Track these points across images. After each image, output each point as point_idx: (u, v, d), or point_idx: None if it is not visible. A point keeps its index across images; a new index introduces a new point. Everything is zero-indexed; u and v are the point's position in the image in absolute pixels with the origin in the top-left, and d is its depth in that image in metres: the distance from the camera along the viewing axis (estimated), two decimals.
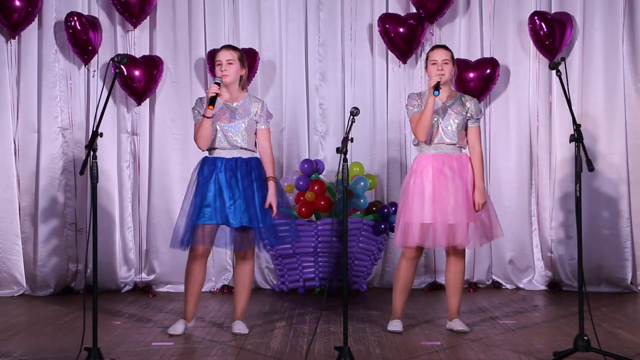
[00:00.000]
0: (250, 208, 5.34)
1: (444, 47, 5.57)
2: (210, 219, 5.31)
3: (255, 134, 5.48)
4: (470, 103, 5.53)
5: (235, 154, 5.40)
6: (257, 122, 5.46)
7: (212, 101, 5.21)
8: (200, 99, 5.50)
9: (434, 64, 5.44)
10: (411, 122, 5.52)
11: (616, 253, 7.47)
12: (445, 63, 5.44)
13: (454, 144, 5.47)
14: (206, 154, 5.49)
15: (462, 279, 5.61)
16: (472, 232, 5.47)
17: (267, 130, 5.51)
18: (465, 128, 5.52)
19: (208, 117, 5.29)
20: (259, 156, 5.49)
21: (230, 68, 5.40)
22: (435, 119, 5.43)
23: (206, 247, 5.40)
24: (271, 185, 5.40)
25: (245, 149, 5.42)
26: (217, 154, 5.42)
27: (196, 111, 5.44)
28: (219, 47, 5.57)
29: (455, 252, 5.53)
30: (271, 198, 5.38)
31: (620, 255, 7.46)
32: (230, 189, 5.34)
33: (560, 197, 7.55)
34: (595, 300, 6.80)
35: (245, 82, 5.58)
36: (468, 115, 5.50)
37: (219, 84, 5.30)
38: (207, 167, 5.40)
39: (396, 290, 5.61)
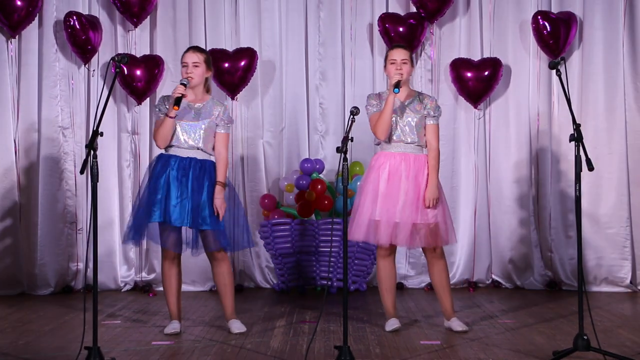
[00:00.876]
0: (198, 210, 5.35)
1: (403, 46, 5.63)
2: (158, 216, 5.33)
3: (214, 137, 5.49)
4: (428, 101, 5.56)
5: (191, 154, 5.42)
6: (217, 126, 5.48)
7: (177, 101, 5.24)
8: (164, 97, 5.52)
9: (393, 63, 5.48)
10: (370, 121, 5.55)
11: (616, 252, 7.47)
12: (404, 63, 5.47)
13: (414, 143, 5.50)
14: (162, 150, 5.51)
15: (447, 277, 5.63)
16: (418, 233, 5.45)
17: (226, 135, 5.52)
18: (424, 126, 5.53)
19: (171, 117, 5.32)
20: (214, 159, 5.49)
21: (195, 70, 5.44)
22: (394, 118, 5.46)
23: (171, 250, 5.43)
24: (218, 189, 5.39)
25: (201, 150, 5.43)
26: (172, 151, 5.43)
27: (157, 109, 5.48)
28: (186, 49, 5.59)
29: (432, 252, 5.55)
30: (216, 201, 5.37)
31: (620, 255, 7.47)
32: (180, 187, 5.35)
33: (560, 196, 7.55)
34: (595, 299, 6.80)
35: (210, 84, 5.61)
36: (426, 113, 5.51)
37: (185, 85, 5.33)
38: (161, 164, 5.42)
39: (382, 290, 5.64)
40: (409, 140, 5.49)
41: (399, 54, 5.49)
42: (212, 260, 5.55)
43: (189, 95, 5.46)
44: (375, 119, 5.47)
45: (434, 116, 5.54)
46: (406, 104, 5.54)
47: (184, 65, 5.46)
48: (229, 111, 5.62)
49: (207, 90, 5.60)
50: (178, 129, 5.40)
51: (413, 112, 5.51)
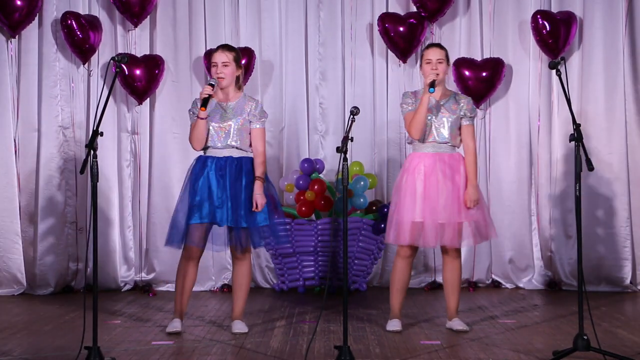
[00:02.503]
0: (238, 208, 5.35)
1: (439, 45, 5.60)
2: (200, 218, 5.33)
3: (250, 133, 5.48)
4: (464, 102, 5.54)
5: (227, 153, 5.41)
6: (250, 122, 5.47)
7: (204, 102, 5.23)
8: (196, 99, 5.51)
9: (429, 62, 5.46)
10: (405, 120, 5.54)
11: (616, 252, 7.47)
12: (440, 62, 5.46)
13: (447, 143, 5.49)
14: (201, 152, 5.50)
15: (460, 277, 5.62)
16: (463, 231, 5.46)
17: (261, 130, 5.49)
18: (460, 127, 5.52)
19: (201, 118, 5.31)
20: (251, 156, 5.49)
21: (225, 70, 5.42)
22: (429, 118, 5.45)
23: (199, 247, 5.43)
24: (257, 184, 5.38)
25: (237, 148, 5.42)
26: (209, 152, 5.44)
27: (191, 112, 5.46)
28: (215, 47, 5.58)
29: (450, 251, 5.54)
30: (256, 197, 5.37)
31: (620, 255, 7.47)
32: (219, 188, 5.35)
33: (560, 196, 7.55)
34: (594, 299, 6.80)
35: (241, 82, 5.58)
36: (461, 113, 5.51)
37: (212, 85, 5.31)
38: (199, 165, 5.42)
39: (393, 290, 5.62)
40: (443, 140, 5.47)
41: (435, 54, 5.47)
42: (235, 259, 5.55)
43: (221, 95, 5.44)
44: (410, 118, 5.45)
45: (470, 117, 5.53)
46: (441, 103, 5.51)
47: (214, 65, 5.42)
48: (262, 105, 5.58)
49: (239, 87, 5.55)
50: (211, 130, 5.38)
51: (448, 111, 5.49)
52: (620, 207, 7.48)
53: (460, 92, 5.69)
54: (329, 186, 7.50)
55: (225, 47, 5.52)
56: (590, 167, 4.59)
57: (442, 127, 5.47)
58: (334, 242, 7.28)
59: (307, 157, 7.69)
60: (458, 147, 5.56)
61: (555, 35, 7.35)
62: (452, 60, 7.60)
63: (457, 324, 5.53)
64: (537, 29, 7.39)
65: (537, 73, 7.62)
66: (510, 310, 6.44)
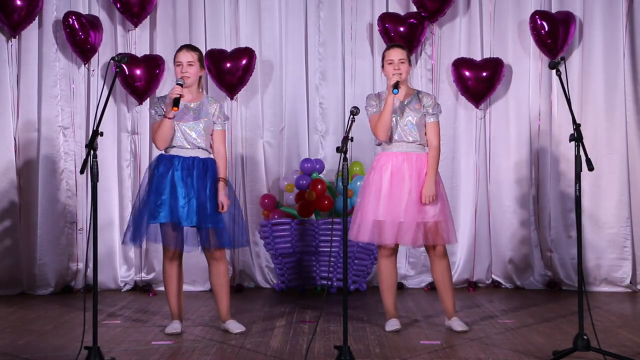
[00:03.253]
0: (203, 208, 5.35)
1: (400, 46, 5.62)
2: (164, 217, 5.32)
3: (212, 135, 5.49)
4: (427, 99, 5.56)
5: (193, 153, 5.42)
6: (214, 123, 5.49)
7: (176, 102, 5.24)
8: (159, 98, 5.52)
9: (391, 63, 5.47)
10: (370, 122, 5.54)
11: (616, 252, 7.47)
12: (402, 62, 5.47)
13: (416, 142, 5.49)
14: (162, 151, 5.50)
15: (450, 276, 5.62)
16: (422, 231, 5.45)
17: (223, 132, 5.54)
18: (425, 124, 5.53)
19: (170, 118, 5.31)
20: (214, 158, 5.50)
21: (190, 69, 5.44)
22: (394, 118, 5.46)
23: (175, 249, 5.44)
24: (221, 186, 5.42)
25: (203, 149, 5.44)
26: (174, 152, 5.43)
27: (153, 111, 5.47)
28: (179, 47, 5.59)
29: (434, 251, 5.54)
30: (221, 198, 5.39)
31: (620, 255, 7.47)
32: (185, 187, 5.35)
33: (560, 196, 7.55)
34: (594, 299, 6.80)
35: (203, 83, 5.61)
36: (425, 111, 5.51)
37: (181, 85, 5.32)
38: (164, 164, 5.41)
39: (382, 290, 5.65)
40: (411, 139, 5.49)
41: (397, 54, 5.48)
42: (210, 260, 5.54)
43: (187, 95, 5.46)
44: (376, 120, 5.47)
45: (433, 114, 5.54)
46: (405, 103, 5.54)
47: (178, 64, 5.45)
48: (224, 108, 5.61)
49: (202, 88, 5.61)
50: (177, 130, 5.40)
51: (413, 111, 5.51)
52: (620, 207, 7.48)
53: (422, 90, 5.69)
54: (329, 186, 7.50)
55: (190, 47, 5.56)
56: (590, 167, 4.59)
57: (408, 127, 5.48)
58: (334, 242, 7.28)
59: (307, 157, 7.69)
60: (427, 146, 5.55)
61: (554, 36, 7.35)
62: (450, 60, 7.64)
63: (456, 324, 5.53)
64: (535, 29, 7.39)
65: (537, 73, 7.62)
66: (510, 310, 6.44)
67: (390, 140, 5.50)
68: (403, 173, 5.45)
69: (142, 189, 5.50)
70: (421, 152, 5.52)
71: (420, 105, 5.53)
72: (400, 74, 5.42)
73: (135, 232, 5.42)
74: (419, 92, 5.64)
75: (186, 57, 5.45)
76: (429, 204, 5.42)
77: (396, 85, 5.34)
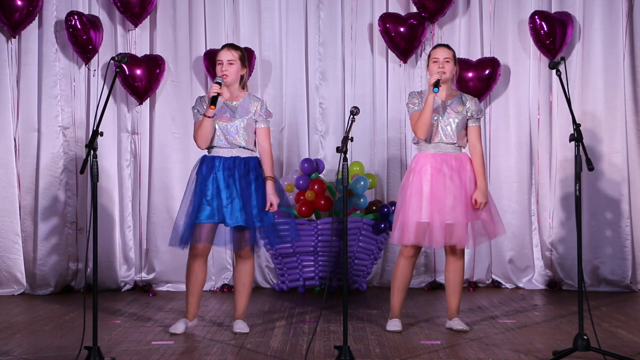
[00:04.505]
0: (248, 207, 5.35)
1: (447, 45, 5.59)
2: (208, 217, 5.32)
3: (255, 133, 5.49)
4: (470, 102, 5.53)
5: (234, 153, 5.41)
6: (256, 121, 5.47)
7: (213, 101, 5.22)
8: (200, 97, 5.51)
9: (436, 61, 5.45)
10: (411, 120, 5.52)
11: (616, 252, 7.47)
12: (447, 61, 5.44)
13: (454, 143, 5.47)
14: (205, 152, 5.50)
15: (462, 278, 5.61)
16: (470, 231, 5.46)
17: (267, 130, 5.51)
18: (466, 127, 5.52)
19: (209, 117, 5.29)
20: (258, 155, 5.50)
21: (230, 68, 5.41)
22: (435, 118, 5.44)
23: (206, 246, 5.41)
24: (269, 184, 5.41)
25: (244, 147, 5.43)
26: (215, 152, 5.42)
27: (196, 110, 5.45)
28: (220, 46, 5.58)
29: (454, 251, 5.53)
30: (270, 197, 5.39)
31: (620, 255, 7.47)
32: (228, 188, 5.35)
33: (560, 196, 7.55)
34: (594, 299, 6.80)
35: (245, 81, 5.58)
36: (468, 114, 5.50)
37: (220, 84, 5.30)
38: (206, 165, 5.41)
39: (394, 289, 5.61)
40: (450, 140, 5.46)
41: (442, 53, 5.46)
42: (238, 258, 5.55)
43: (225, 93, 5.43)
44: (416, 118, 5.44)
45: (477, 118, 5.52)
46: (448, 104, 5.50)
47: (219, 63, 5.42)
48: (267, 105, 5.59)
49: (243, 87, 5.56)
50: (217, 129, 5.38)
51: (455, 112, 5.47)
52: (621, 207, 7.48)
53: (465, 93, 5.67)
54: (329, 186, 7.50)
55: (231, 46, 5.53)
56: (590, 167, 4.59)
57: (449, 128, 5.46)
58: (334, 242, 7.28)
59: (307, 157, 7.69)
60: (464, 148, 5.55)
61: (553, 36, 7.35)
62: None
63: (457, 323, 5.53)
64: (534, 30, 7.39)
65: (537, 73, 7.63)
66: (510, 310, 6.44)
67: (429, 140, 5.48)
68: (444, 174, 5.41)
69: (187, 191, 5.45)
70: (459, 152, 5.50)
71: (463, 107, 5.50)
72: (444, 72, 5.40)
73: (183, 234, 5.37)
74: (462, 94, 5.60)
75: (227, 55, 5.42)
76: (480, 209, 5.42)
77: (437, 84, 5.30)
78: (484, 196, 5.43)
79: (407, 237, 5.41)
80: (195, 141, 5.42)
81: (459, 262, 5.55)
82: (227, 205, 5.33)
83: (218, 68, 5.43)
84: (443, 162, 5.44)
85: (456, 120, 5.46)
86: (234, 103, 5.46)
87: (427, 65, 5.54)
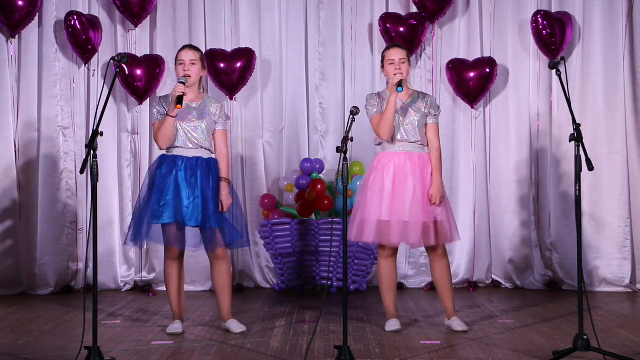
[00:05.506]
0: (207, 208, 5.35)
1: (400, 46, 5.64)
2: (168, 217, 5.32)
3: (213, 135, 5.50)
4: (428, 100, 5.56)
5: (196, 153, 5.43)
6: (215, 123, 5.49)
7: (179, 100, 5.25)
8: (160, 98, 5.54)
9: (392, 63, 5.47)
10: (372, 122, 5.53)
11: (616, 252, 7.47)
12: (402, 62, 5.47)
13: (417, 142, 5.50)
14: (164, 151, 5.50)
15: (449, 276, 5.61)
16: (427, 231, 5.45)
17: (225, 132, 5.55)
18: (425, 125, 5.53)
19: (173, 117, 5.32)
20: (215, 157, 5.51)
21: (192, 68, 5.45)
22: (397, 118, 5.46)
23: (177, 248, 5.44)
24: (223, 186, 5.43)
25: (205, 148, 5.45)
26: (177, 152, 5.43)
27: (155, 110, 5.47)
28: (181, 47, 5.60)
29: (435, 251, 5.54)
30: (222, 198, 5.41)
31: (620, 255, 7.47)
32: (189, 187, 5.36)
33: (560, 196, 7.55)
34: (595, 299, 6.80)
35: (204, 83, 5.61)
36: (426, 112, 5.52)
37: (184, 84, 5.33)
38: (167, 165, 5.40)
39: (382, 290, 5.64)
40: (413, 139, 5.48)
41: (397, 54, 5.49)
42: (212, 259, 5.54)
43: (189, 94, 5.46)
44: (377, 120, 5.46)
45: (434, 115, 5.55)
46: (407, 103, 5.54)
47: (181, 63, 5.47)
48: (225, 108, 5.62)
49: (203, 89, 5.62)
50: (180, 130, 5.40)
51: (415, 111, 5.51)
52: (620, 207, 7.48)
53: (422, 91, 5.70)
54: (329, 186, 7.50)
55: (192, 47, 5.59)
56: (590, 167, 4.59)
57: (411, 127, 5.48)
58: (334, 242, 7.28)
59: (307, 157, 7.69)
60: (426, 146, 5.56)
61: (555, 36, 7.35)
62: (446, 61, 7.64)
63: (456, 324, 5.53)
64: (536, 29, 7.39)
65: (537, 73, 7.62)
66: (510, 310, 6.44)
67: (392, 140, 5.50)
68: (406, 172, 5.44)
69: (143, 189, 5.49)
70: (422, 151, 5.53)
71: (422, 105, 5.53)
72: (402, 72, 5.43)
73: (137, 232, 5.41)
74: (419, 92, 5.65)
75: (189, 55, 5.46)
76: (436, 204, 5.42)
77: (400, 84, 5.34)
78: (438, 191, 5.43)
79: (367, 235, 5.45)
80: (157, 141, 5.43)
81: (443, 260, 5.56)
82: (188, 205, 5.34)
83: (179, 68, 5.47)
84: (407, 161, 5.47)
85: (416, 119, 5.49)
86: (195, 104, 5.49)
87: (382, 67, 5.57)
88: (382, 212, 5.41)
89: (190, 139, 5.41)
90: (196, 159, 5.41)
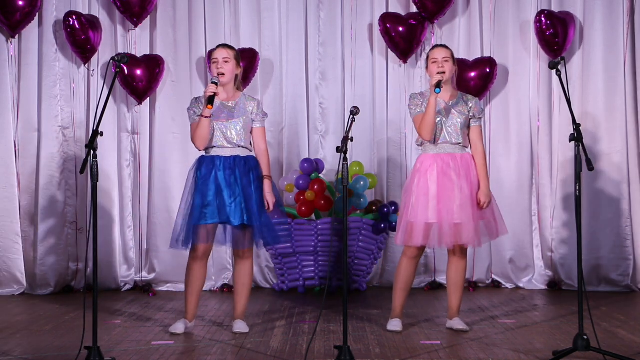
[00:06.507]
0: (249, 206, 5.35)
1: (445, 46, 5.60)
2: (211, 218, 5.31)
3: (251, 132, 5.49)
4: (472, 102, 5.54)
5: (234, 152, 5.41)
6: (253, 121, 5.47)
7: (210, 100, 5.22)
8: (195, 98, 5.51)
9: (435, 62, 5.44)
10: (415, 122, 5.51)
11: (616, 252, 7.47)
12: (446, 61, 5.44)
13: (458, 144, 5.48)
14: (202, 153, 5.49)
15: (464, 277, 5.61)
16: (477, 231, 5.46)
17: (263, 129, 5.52)
18: (468, 127, 5.53)
19: (206, 117, 5.29)
20: (255, 155, 5.50)
21: (226, 66, 5.41)
22: (439, 119, 5.44)
23: (207, 247, 5.42)
24: (267, 183, 5.42)
25: (243, 147, 5.43)
26: (215, 152, 5.42)
27: (192, 111, 5.44)
28: (216, 46, 5.59)
29: (458, 250, 5.53)
30: (267, 196, 5.40)
31: (620, 255, 7.47)
32: (230, 187, 5.34)
33: (560, 196, 7.55)
34: (594, 299, 6.80)
35: (240, 81, 5.59)
36: (470, 114, 5.51)
37: (216, 84, 5.30)
38: (206, 166, 5.40)
39: (396, 289, 5.60)
40: (455, 141, 5.46)
41: (441, 53, 5.46)
42: (238, 258, 5.55)
43: (221, 94, 5.43)
44: (419, 120, 5.43)
45: (479, 117, 5.54)
46: (451, 104, 5.50)
47: (214, 61, 5.42)
48: (262, 105, 5.59)
49: (238, 87, 5.56)
50: (216, 129, 5.38)
51: (458, 113, 5.48)
52: (621, 207, 7.48)
53: (466, 93, 5.68)
54: (329, 186, 7.50)
55: (226, 45, 5.55)
56: (590, 167, 4.60)
57: (452, 128, 5.46)
58: (334, 242, 7.28)
59: (307, 157, 7.69)
60: (468, 148, 5.56)
61: (558, 36, 7.34)
62: None
63: (457, 323, 5.53)
64: (540, 29, 7.38)
65: (537, 73, 7.63)
66: (510, 310, 6.44)
67: (434, 141, 5.48)
68: (451, 174, 5.41)
69: (186, 192, 5.44)
70: (464, 152, 5.51)
71: (465, 107, 5.51)
72: (444, 72, 5.40)
73: (186, 235, 5.36)
74: (463, 94, 5.61)
75: (222, 54, 5.42)
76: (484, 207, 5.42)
77: (438, 85, 5.30)
78: (487, 196, 5.44)
79: (416, 238, 5.40)
80: (194, 142, 5.41)
81: (462, 261, 5.56)
82: (231, 204, 5.33)
83: (213, 67, 5.44)
84: (449, 162, 5.44)
85: (459, 121, 5.46)
86: (230, 103, 5.46)
87: (427, 67, 5.53)
88: (429, 214, 5.38)
89: (227, 138, 5.39)
90: (234, 158, 5.39)
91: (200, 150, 5.48)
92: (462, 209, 5.37)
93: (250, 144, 5.50)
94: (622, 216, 7.47)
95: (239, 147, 5.42)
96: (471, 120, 5.52)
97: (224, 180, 5.35)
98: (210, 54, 7.35)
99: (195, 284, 5.48)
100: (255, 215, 5.36)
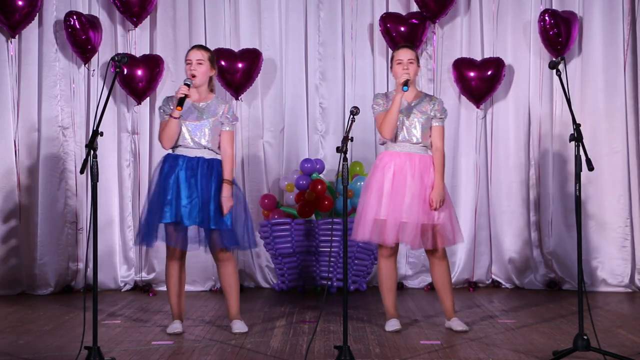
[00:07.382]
0: (206, 209, 5.35)
1: (409, 46, 5.65)
2: (169, 217, 5.32)
3: (219, 135, 5.48)
4: (435, 103, 5.56)
5: (198, 153, 5.42)
6: (222, 124, 5.47)
7: (180, 102, 5.24)
8: (167, 97, 5.52)
9: (400, 63, 5.48)
10: (376, 120, 5.56)
11: (616, 252, 7.47)
12: (411, 62, 5.48)
13: (420, 144, 5.50)
14: (169, 151, 5.50)
15: (449, 277, 5.62)
16: (426, 233, 5.44)
17: (231, 133, 5.51)
18: (430, 128, 5.53)
19: (175, 117, 5.31)
20: (220, 158, 5.48)
21: (199, 68, 5.42)
22: (401, 118, 5.46)
23: (178, 248, 5.44)
24: (226, 188, 5.39)
25: (208, 149, 5.43)
26: (179, 151, 5.43)
27: (162, 110, 5.46)
28: (190, 47, 5.60)
29: (434, 253, 5.54)
30: (223, 200, 5.37)
31: (620, 255, 7.47)
32: (189, 188, 5.35)
33: (560, 196, 7.55)
34: (595, 299, 6.80)
35: (214, 83, 5.59)
36: (432, 114, 5.52)
37: (188, 85, 5.32)
38: (169, 164, 5.41)
39: (383, 290, 5.64)
40: (415, 140, 5.48)
41: (405, 54, 5.49)
42: (217, 261, 5.55)
43: (193, 95, 5.44)
44: (382, 118, 5.47)
45: (440, 118, 5.54)
46: (413, 104, 5.53)
47: (188, 62, 5.44)
48: (233, 109, 5.60)
49: (211, 89, 5.58)
50: (184, 129, 5.39)
51: (420, 112, 5.51)
52: (620, 207, 7.48)
53: (430, 94, 5.72)
54: (329, 186, 7.50)
55: (201, 47, 5.56)
56: (590, 167, 4.60)
57: (414, 128, 5.49)
58: (334, 242, 7.28)
59: (307, 157, 7.69)
60: (430, 149, 5.56)
61: (561, 35, 7.33)
62: (451, 60, 7.64)
63: (456, 324, 5.53)
64: (543, 28, 7.37)
65: (538, 73, 7.62)
66: (510, 310, 6.44)
67: (395, 139, 5.50)
68: (406, 173, 5.45)
69: (150, 189, 5.48)
70: (424, 153, 5.52)
71: (427, 107, 5.53)
72: (409, 73, 5.43)
73: (147, 232, 5.39)
74: (426, 95, 5.65)
75: (196, 55, 5.43)
76: (436, 209, 5.42)
77: (406, 83, 5.35)
78: (439, 195, 5.43)
79: (362, 233, 5.46)
80: (160, 141, 5.43)
81: (442, 263, 5.57)
82: (187, 205, 5.33)
83: (187, 68, 5.45)
84: (407, 161, 5.47)
85: (421, 120, 5.49)
86: (202, 104, 5.47)
87: (391, 67, 5.57)
88: (379, 211, 5.42)
89: (193, 138, 5.40)
90: (197, 159, 5.40)
91: (166, 150, 5.48)
92: (410, 207, 5.39)
93: (218, 147, 5.48)
94: (622, 216, 7.47)
95: (204, 148, 5.42)
96: (433, 120, 5.53)
97: (184, 180, 5.35)
98: (216, 52, 7.40)
99: (173, 284, 5.52)
100: (211, 219, 5.34)
